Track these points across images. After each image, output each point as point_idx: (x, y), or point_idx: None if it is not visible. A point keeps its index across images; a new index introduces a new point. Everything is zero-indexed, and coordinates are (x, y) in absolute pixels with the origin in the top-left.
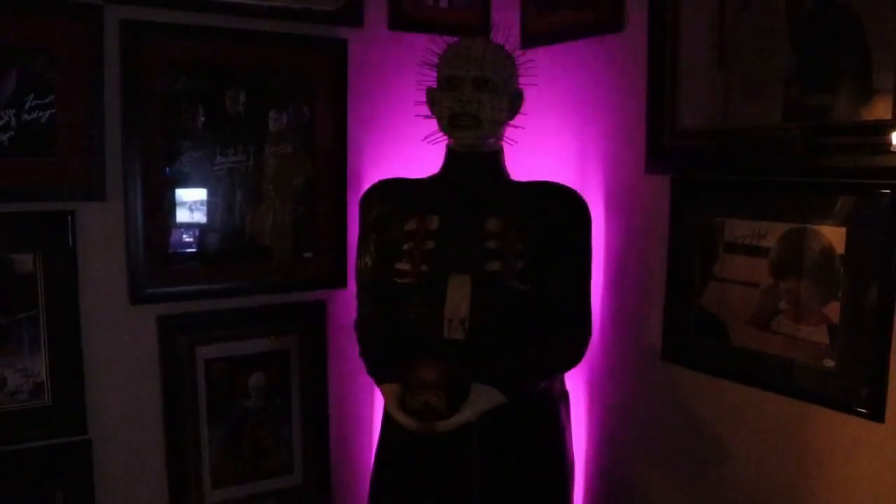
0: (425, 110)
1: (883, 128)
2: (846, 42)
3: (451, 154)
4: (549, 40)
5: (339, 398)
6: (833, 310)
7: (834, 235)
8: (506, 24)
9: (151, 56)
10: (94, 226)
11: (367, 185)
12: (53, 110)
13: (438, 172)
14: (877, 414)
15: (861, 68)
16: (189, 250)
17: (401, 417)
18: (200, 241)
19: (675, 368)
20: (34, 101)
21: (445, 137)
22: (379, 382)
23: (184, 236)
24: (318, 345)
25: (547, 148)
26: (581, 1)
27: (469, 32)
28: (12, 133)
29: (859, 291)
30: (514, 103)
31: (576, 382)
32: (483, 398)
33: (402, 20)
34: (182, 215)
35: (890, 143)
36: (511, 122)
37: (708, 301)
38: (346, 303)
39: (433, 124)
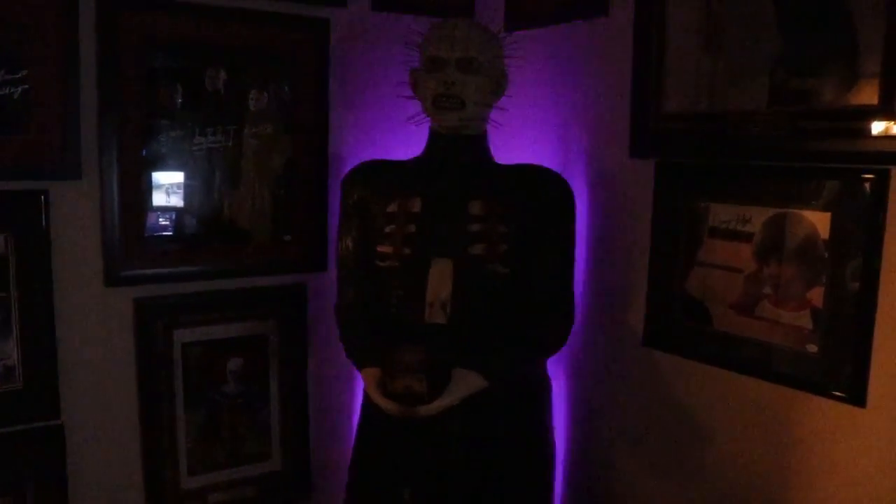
0: (408, 91)
1: (869, 113)
2: (833, 27)
3: (434, 136)
4: (533, 23)
5: (319, 383)
6: (816, 295)
7: (818, 220)
8: (490, 6)
9: (128, 32)
10: (68, 206)
11: (348, 167)
12: (26, 86)
13: (421, 154)
14: (858, 398)
15: (847, 53)
16: (166, 233)
17: (382, 402)
18: (178, 222)
19: (657, 353)
20: (6, 76)
21: (429, 119)
22: (360, 366)
23: (160, 218)
24: (298, 329)
25: (531, 131)
26: None
27: (453, 13)
28: None
29: (843, 276)
30: (498, 85)
31: (557, 367)
32: (464, 383)
33: (385, 0)
34: (159, 194)
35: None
36: (495, 105)
37: (691, 286)
38: (326, 286)
39: (417, 105)
